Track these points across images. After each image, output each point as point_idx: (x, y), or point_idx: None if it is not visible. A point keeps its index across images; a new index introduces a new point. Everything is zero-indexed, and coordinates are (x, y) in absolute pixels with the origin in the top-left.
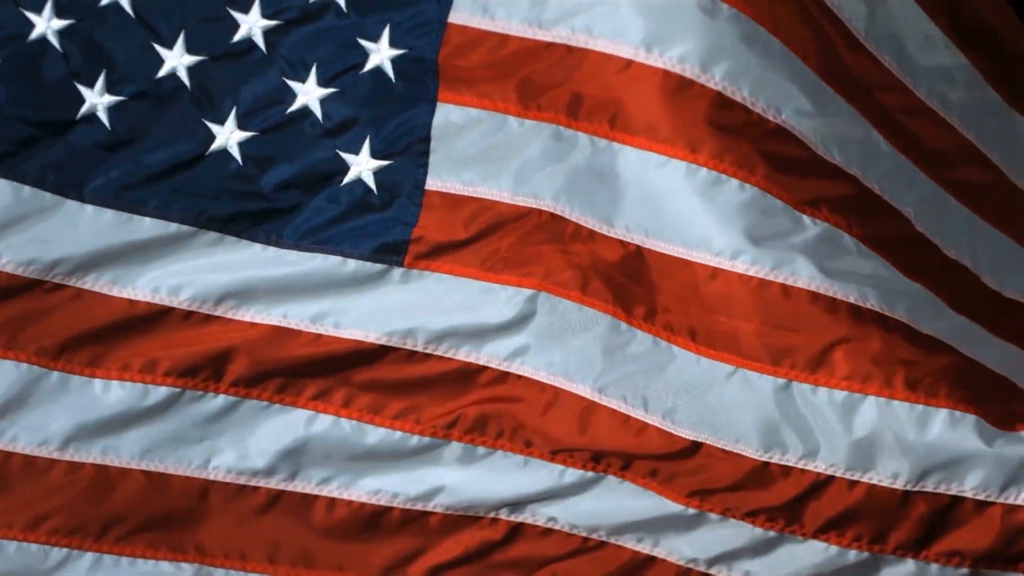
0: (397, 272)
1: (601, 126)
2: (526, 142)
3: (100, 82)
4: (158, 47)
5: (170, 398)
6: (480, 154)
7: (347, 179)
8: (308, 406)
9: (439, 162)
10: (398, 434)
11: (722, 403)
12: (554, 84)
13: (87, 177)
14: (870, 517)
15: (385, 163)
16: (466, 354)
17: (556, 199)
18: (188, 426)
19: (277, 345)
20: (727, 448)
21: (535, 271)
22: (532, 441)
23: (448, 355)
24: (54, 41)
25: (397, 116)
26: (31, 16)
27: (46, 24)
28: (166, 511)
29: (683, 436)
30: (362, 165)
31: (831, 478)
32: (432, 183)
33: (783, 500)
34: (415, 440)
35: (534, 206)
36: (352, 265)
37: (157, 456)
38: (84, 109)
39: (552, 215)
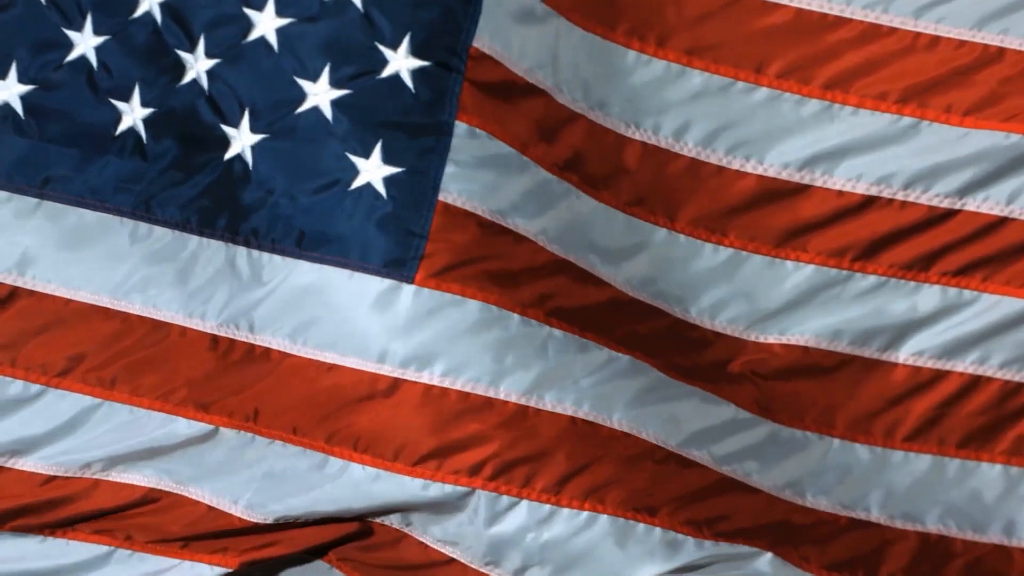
0: (408, 290)
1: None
2: (537, 179)
3: (135, 96)
4: (181, 53)
5: (207, 433)
6: (494, 180)
7: (355, 184)
8: (323, 449)
9: (454, 176)
10: (419, 482)
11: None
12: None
13: (126, 193)
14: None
15: (397, 170)
16: (484, 388)
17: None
18: (233, 460)
19: (298, 378)
20: (744, 480)
21: (547, 299)
22: (562, 489)
23: (466, 389)
24: (92, 59)
25: (414, 127)
26: (72, 35)
27: (85, 43)
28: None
29: (716, 470)
30: (372, 171)
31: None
32: (444, 196)
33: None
34: (435, 488)
35: (543, 245)
36: (362, 280)
37: (207, 482)
38: (123, 125)
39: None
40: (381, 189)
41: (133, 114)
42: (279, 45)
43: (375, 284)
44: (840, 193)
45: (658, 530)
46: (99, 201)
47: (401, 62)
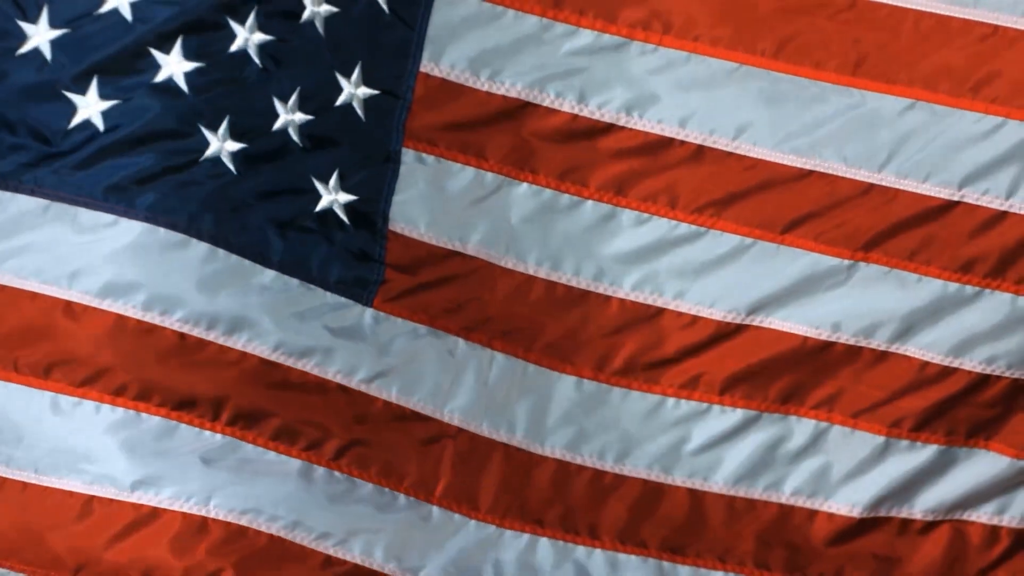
0: (368, 313)
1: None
2: (491, 198)
3: (93, 89)
4: (154, 52)
5: (165, 428)
6: (441, 204)
7: (319, 207)
8: (301, 456)
9: (402, 204)
10: (386, 491)
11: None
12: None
13: (81, 182)
14: (828, 553)
15: (353, 197)
16: (432, 411)
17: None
18: (185, 460)
19: (269, 381)
20: (695, 487)
21: (489, 330)
22: (509, 510)
23: (417, 409)
24: (46, 51)
25: (364, 155)
26: (25, 27)
27: (40, 34)
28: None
29: (652, 480)
30: (332, 195)
31: (793, 508)
32: (395, 225)
33: (749, 536)
34: (401, 499)
35: (498, 263)
36: (326, 297)
37: (153, 488)
38: (78, 118)
39: (501, 268)
40: (342, 215)
41: (90, 107)
42: (260, 61)
43: (339, 304)
44: (842, 180)
45: (598, 551)
46: (38, 187)
47: (353, 90)
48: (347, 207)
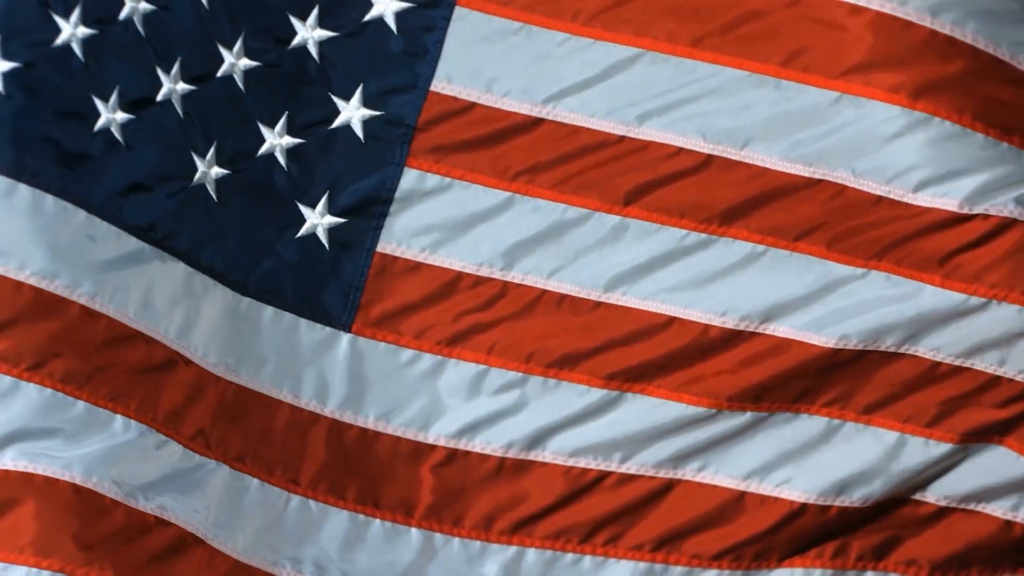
0: (345, 338)
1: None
2: (500, 214)
3: (114, 98)
4: (159, 70)
5: (180, 455)
6: (442, 222)
7: (302, 232)
8: (279, 484)
9: (395, 225)
10: (360, 517)
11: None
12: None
13: (97, 190)
14: (834, 535)
15: (341, 220)
16: (415, 433)
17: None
18: (186, 486)
19: (242, 409)
20: (704, 481)
21: (484, 345)
22: (492, 523)
23: (398, 434)
24: (77, 50)
25: (360, 176)
26: (59, 20)
27: (71, 31)
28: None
29: (659, 476)
30: (317, 220)
31: (805, 506)
32: (384, 247)
33: (752, 534)
34: (376, 524)
35: (499, 277)
36: (302, 324)
37: (172, 511)
38: (100, 123)
39: (512, 283)
40: (324, 239)
41: (109, 115)
42: (245, 86)
43: (315, 330)
44: (852, 189)
45: (587, 558)
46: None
47: (353, 112)
48: (331, 231)
